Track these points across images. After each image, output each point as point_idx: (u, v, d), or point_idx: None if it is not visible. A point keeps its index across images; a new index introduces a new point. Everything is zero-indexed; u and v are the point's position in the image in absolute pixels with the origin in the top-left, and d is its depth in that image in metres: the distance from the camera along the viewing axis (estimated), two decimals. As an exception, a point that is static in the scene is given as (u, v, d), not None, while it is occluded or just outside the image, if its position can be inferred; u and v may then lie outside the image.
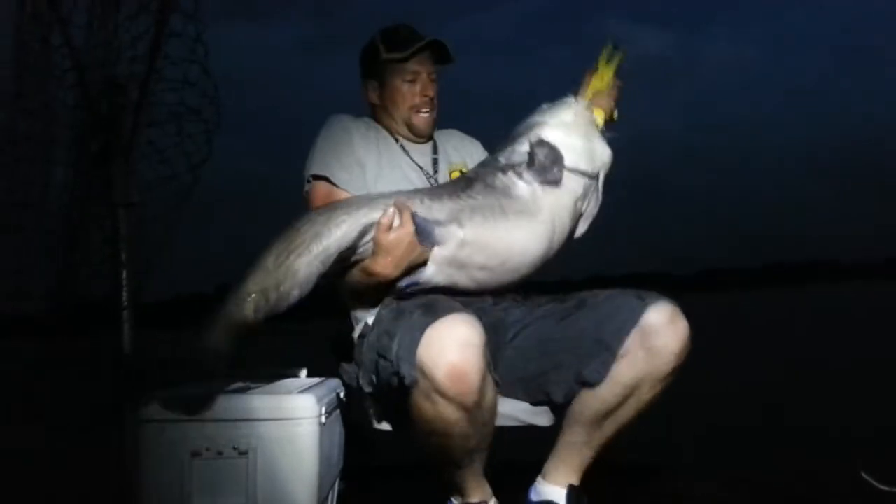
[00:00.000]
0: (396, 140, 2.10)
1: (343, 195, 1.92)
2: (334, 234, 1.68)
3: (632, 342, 1.75)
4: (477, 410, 1.60)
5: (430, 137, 2.15)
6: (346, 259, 1.73)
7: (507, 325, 1.88)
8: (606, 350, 1.76)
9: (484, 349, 1.58)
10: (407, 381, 1.58)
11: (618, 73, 1.88)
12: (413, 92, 2.06)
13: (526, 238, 1.79)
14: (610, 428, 1.81)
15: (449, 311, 1.61)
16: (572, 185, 1.81)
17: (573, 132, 1.82)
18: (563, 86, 1.92)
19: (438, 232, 1.73)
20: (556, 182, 1.79)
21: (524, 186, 1.79)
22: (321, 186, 1.96)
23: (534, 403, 1.90)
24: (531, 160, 1.79)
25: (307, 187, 1.99)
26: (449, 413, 1.58)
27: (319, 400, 1.78)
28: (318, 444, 1.74)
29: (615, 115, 1.90)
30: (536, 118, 1.86)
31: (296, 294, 1.66)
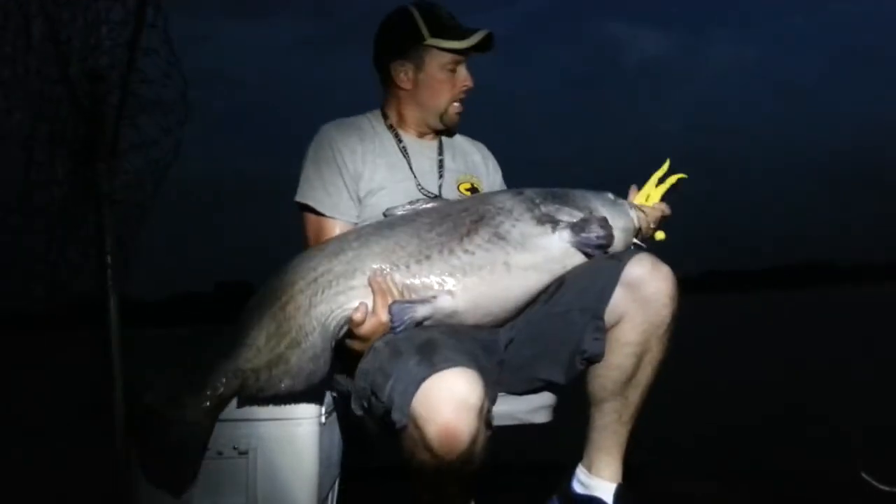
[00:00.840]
0: (400, 141, 2.02)
1: (331, 225, 1.90)
2: (316, 329, 1.63)
3: (620, 301, 1.73)
4: (460, 467, 1.53)
5: (451, 133, 2.09)
6: (332, 347, 1.68)
7: (500, 338, 1.84)
8: (594, 317, 1.73)
9: (481, 409, 1.50)
10: (397, 426, 1.53)
11: (668, 195, 1.91)
12: (453, 82, 1.98)
13: (526, 290, 1.74)
14: (635, 395, 1.78)
15: (447, 361, 1.53)
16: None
17: (618, 239, 1.80)
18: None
19: (421, 310, 1.65)
20: (588, 256, 1.76)
21: (556, 241, 1.73)
22: (310, 219, 1.94)
23: (533, 391, 1.86)
24: (581, 228, 1.74)
25: (298, 211, 1.96)
26: (431, 465, 1.52)
27: (319, 400, 1.78)
28: (317, 444, 1.74)
29: (657, 235, 1.91)
30: (598, 204, 1.81)
31: (288, 383, 1.61)
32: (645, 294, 1.72)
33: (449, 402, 1.47)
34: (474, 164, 2.13)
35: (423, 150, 2.05)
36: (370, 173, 1.96)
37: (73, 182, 2.31)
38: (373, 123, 2.05)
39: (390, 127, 2.04)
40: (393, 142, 2.02)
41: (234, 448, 1.69)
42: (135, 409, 1.65)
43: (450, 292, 1.66)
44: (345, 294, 1.66)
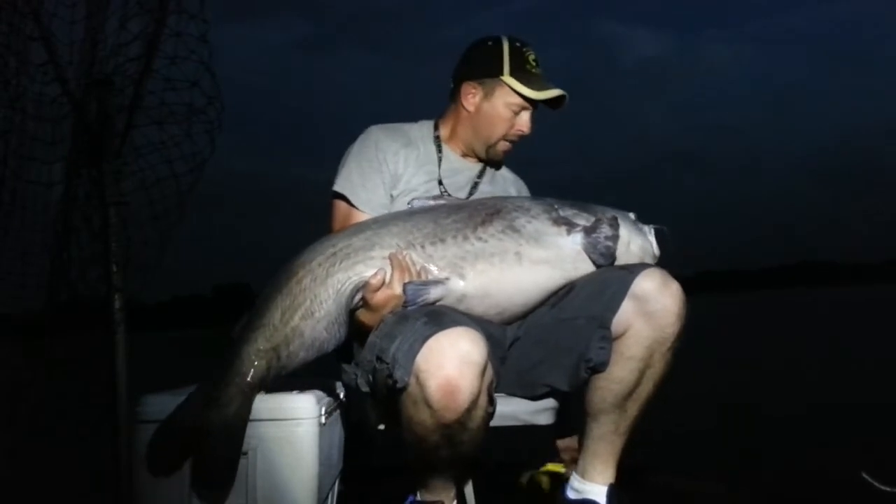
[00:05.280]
0: (440, 152, 2.04)
1: (361, 216, 1.92)
2: (331, 297, 1.66)
3: (628, 313, 1.73)
4: (459, 428, 1.56)
5: (495, 166, 2.11)
6: (347, 314, 1.70)
7: (506, 335, 1.86)
8: (600, 326, 1.74)
9: (483, 369, 1.54)
10: (399, 385, 1.55)
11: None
12: (512, 122, 2.01)
13: (535, 285, 1.75)
14: (633, 408, 1.78)
15: (454, 322, 1.57)
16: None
17: (628, 254, 1.81)
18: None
19: (434, 292, 1.68)
20: (595, 264, 1.77)
21: (570, 243, 1.75)
22: (341, 206, 1.97)
23: (536, 397, 1.87)
24: (593, 229, 1.75)
25: (330, 199, 1.99)
26: (431, 423, 1.55)
27: (319, 400, 1.78)
28: (317, 445, 1.74)
29: None
30: (619, 216, 1.82)
31: (303, 356, 1.64)
32: (653, 309, 1.72)
33: (453, 357, 1.51)
34: (507, 194, 2.12)
35: (463, 168, 2.08)
36: (408, 177, 1.99)
37: (78, 184, 2.31)
38: (421, 133, 2.08)
39: (436, 139, 2.08)
40: (434, 153, 2.05)
41: (234, 448, 1.69)
42: (175, 432, 1.61)
43: (461, 276, 1.70)
44: (363, 263, 1.70)
